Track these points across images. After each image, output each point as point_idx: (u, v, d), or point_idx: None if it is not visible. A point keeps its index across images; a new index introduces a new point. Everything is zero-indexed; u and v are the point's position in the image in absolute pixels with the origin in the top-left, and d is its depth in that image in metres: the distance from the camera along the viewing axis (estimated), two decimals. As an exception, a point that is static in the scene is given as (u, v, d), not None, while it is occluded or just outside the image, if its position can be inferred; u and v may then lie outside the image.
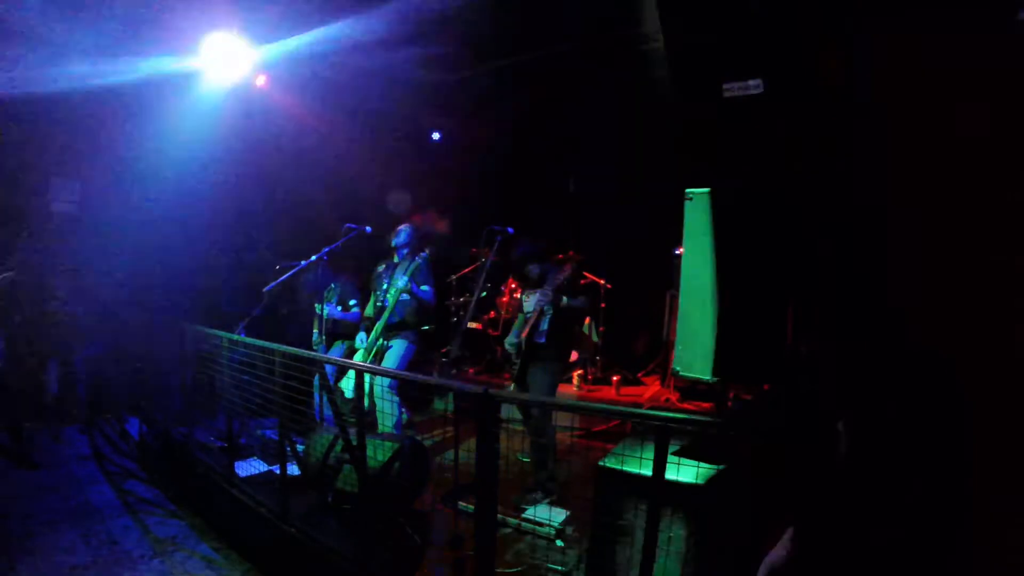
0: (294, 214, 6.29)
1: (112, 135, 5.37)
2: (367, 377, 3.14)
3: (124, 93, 4.90)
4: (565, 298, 3.67)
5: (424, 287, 4.16)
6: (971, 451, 1.67)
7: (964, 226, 1.83)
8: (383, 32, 5.09)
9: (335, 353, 4.60)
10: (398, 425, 4.05)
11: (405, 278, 4.01)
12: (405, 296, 4.06)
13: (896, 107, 2.04)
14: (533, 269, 3.90)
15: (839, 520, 1.74)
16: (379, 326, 4.08)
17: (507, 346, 3.93)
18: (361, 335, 4.28)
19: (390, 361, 4.14)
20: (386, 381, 3.89)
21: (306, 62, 5.49)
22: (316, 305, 4.61)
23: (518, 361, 3.81)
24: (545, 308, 3.66)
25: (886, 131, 2.06)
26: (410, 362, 4.33)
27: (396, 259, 4.37)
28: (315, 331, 4.70)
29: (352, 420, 2.76)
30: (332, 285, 4.67)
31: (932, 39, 1.89)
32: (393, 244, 4.37)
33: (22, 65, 4.39)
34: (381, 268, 4.45)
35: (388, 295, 4.10)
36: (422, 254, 4.22)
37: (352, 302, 4.65)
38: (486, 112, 6.72)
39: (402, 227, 4.43)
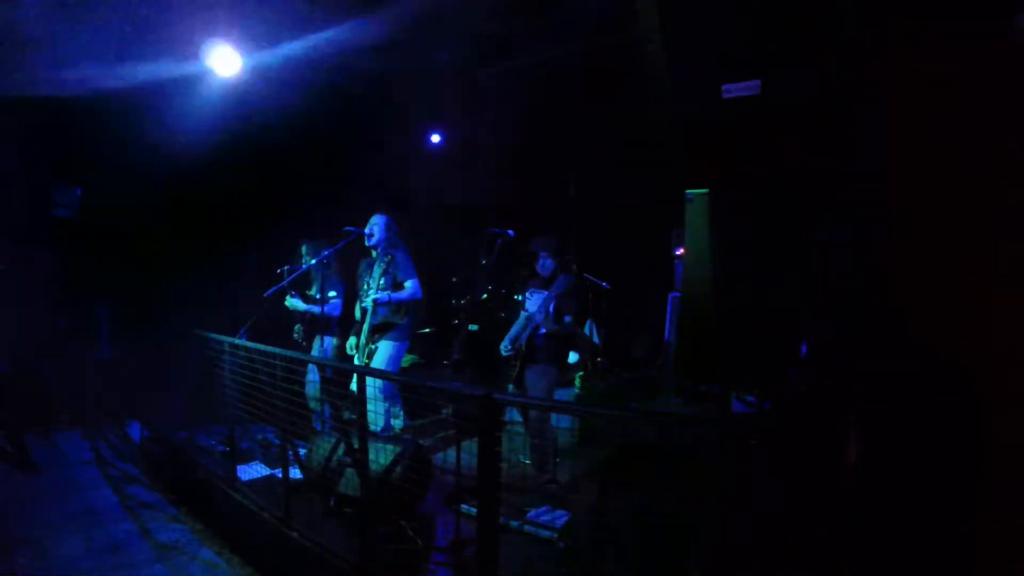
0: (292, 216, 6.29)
1: (114, 140, 5.38)
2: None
3: (126, 97, 4.92)
4: (565, 318, 3.75)
5: (407, 282, 4.00)
6: (982, 453, 1.67)
7: (968, 226, 1.83)
8: (379, 34, 5.11)
9: (317, 348, 4.56)
10: (387, 428, 4.02)
11: (378, 294, 3.87)
12: (380, 297, 3.92)
13: (897, 108, 2.04)
14: (548, 264, 3.88)
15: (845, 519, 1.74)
16: (365, 328, 4.00)
17: (502, 351, 3.92)
18: (352, 340, 4.22)
19: (376, 365, 4.01)
20: (377, 383, 3.81)
21: (301, 66, 5.50)
22: (287, 297, 4.51)
23: (516, 363, 3.82)
24: (540, 326, 3.72)
25: (887, 132, 2.07)
26: (401, 360, 4.22)
27: (375, 255, 4.13)
28: (297, 325, 4.69)
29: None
30: (314, 274, 4.51)
31: (932, 40, 1.89)
32: (368, 245, 4.12)
33: (26, 69, 4.42)
34: (363, 267, 4.25)
35: (367, 300, 3.95)
36: (399, 248, 4.04)
37: (332, 293, 4.48)
38: (486, 113, 6.73)
39: (375, 221, 4.11)
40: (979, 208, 1.80)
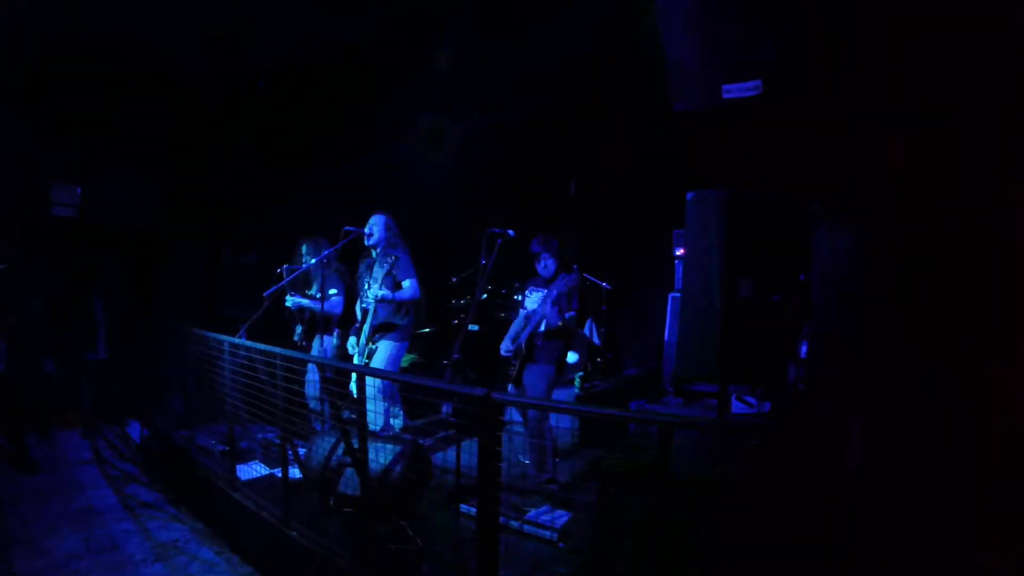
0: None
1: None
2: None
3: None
4: (566, 315, 3.76)
5: (406, 282, 4.00)
6: (982, 453, 1.67)
7: (969, 226, 1.83)
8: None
9: (316, 348, 4.56)
10: (387, 427, 4.02)
11: (379, 292, 3.87)
12: (385, 295, 3.92)
13: (898, 108, 2.04)
14: (549, 265, 3.90)
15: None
16: (365, 329, 3.99)
17: (502, 351, 3.93)
18: (352, 340, 4.23)
19: (376, 364, 4.01)
20: (377, 382, 3.77)
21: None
22: (287, 297, 4.51)
23: (516, 363, 3.82)
24: (544, 323, 3.73)
25: (888, 132, 2.06)
26: (401, 360, 4.24)
27: (374, 255, 4.13)
28: (297, 326, 4.70)
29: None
30: (313, 273, 4.49)
31: (935, 41, 1.89)
32: (368, 244, 4.13)
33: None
34: (362, 267, 4.26)
35: (368, 299, 3.94)
36: (399, 249, 4.05)
37: (332, 291, 4.47)
38: (487, 113, 6.73)
39: (374, 220, 4.13)
40: (981, 208, 1.80)
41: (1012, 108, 1.74)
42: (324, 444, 3.35)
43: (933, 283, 1.90)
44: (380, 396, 3.85)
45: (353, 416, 2.91)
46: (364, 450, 2.73)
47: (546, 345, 3.80)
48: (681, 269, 5.23)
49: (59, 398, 5.41)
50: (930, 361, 1.89)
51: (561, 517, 3.32)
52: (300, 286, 4.64)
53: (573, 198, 6.91)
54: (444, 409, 5.49)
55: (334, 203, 6.24)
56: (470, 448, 2.29)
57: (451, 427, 4.88)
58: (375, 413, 3.72)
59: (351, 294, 4.53)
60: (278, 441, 3.46)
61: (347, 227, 4.07)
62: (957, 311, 1.85)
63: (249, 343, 3.53)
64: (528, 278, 4.14)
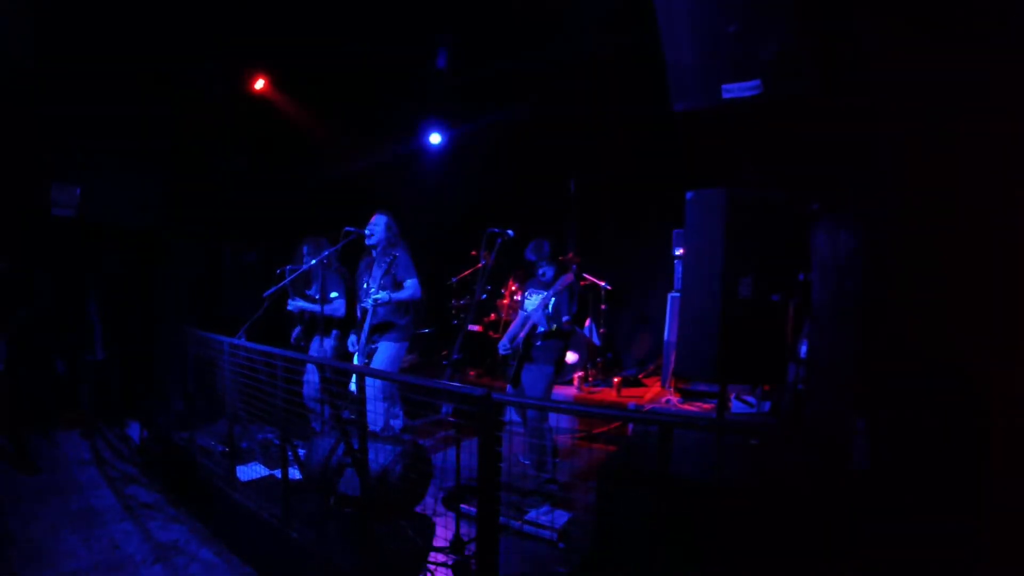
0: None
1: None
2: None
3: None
4: (563, 317, 3.79)
5: (407, 281, 4.01)
6: (982, 453, 1.67)
7: (970, 225, 1.83)
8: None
9: (314, 349, 4.56)
10: (387, 428, 4.02)
11: (380, 295, 3.88)
12: (383, 297, 3.94)
13: (900, 110, 2.04)
14: (547, 272, 3.91)
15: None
16: (364, 328, 3.98)
17: (500, 350, 3.94)
18: (352, 338, 4.24)
19: (376, 365, 4.01)
20: (377, 383, 3.78)
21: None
22: (290, 300, 4.51)
23: (514, 363, 3.83)
24: (540, 326, 3.76)
25: (891, 134, 2.06)
26: (402, 361, 4.25)
27: (374, 255, 4.13)
28: (298, 327, 4.70)
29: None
30: (314, 273, 4.48)
31: (936, 41, 1.89)
32: (368, 244, 4.13)
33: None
34: (362, 266, 4.27)
35: (368, 300, 3.94)
36: (399, 248, 4.05)
37: (333, 294, 4.48)
38: (487, 111, 6.73)
39: (375, 221, 4.13)
40: (981, 208, 1.80)
41: (1012, 108, 1.73)
42: (324, 444, 3.35)
43: (933, 283, 1.90)
44: (380, 396, 3.85)
45: (353, 416, 2.91)
46: (364, 450, 2.73)
47: (545, 345, 3.81)
48: (681, 269, 5.24)
49: (59, 398, 5.41)
50: (930, 361, 1.88)
51: (561, 517, 3.32)
52: (299, 286, 4.64)
53: (573, 198, 6.90)
54: (444, 409, 5.47)
55: (334, 203, 6.24)
56: (470, 448, 2.29)
57: (451, 427, 4.88)
58: (375, 413, 3.72)
59: (351, 295, 4.53)
60: (278, 442, 3.46)
61: (348, 227, 4.07)
62: (957, 311, 1.85)
63: (249, 344, 3.52)
64: (528, 279, 4.15)
